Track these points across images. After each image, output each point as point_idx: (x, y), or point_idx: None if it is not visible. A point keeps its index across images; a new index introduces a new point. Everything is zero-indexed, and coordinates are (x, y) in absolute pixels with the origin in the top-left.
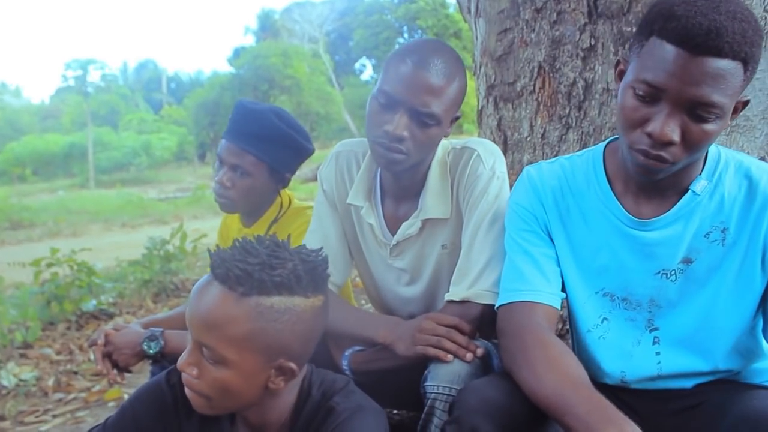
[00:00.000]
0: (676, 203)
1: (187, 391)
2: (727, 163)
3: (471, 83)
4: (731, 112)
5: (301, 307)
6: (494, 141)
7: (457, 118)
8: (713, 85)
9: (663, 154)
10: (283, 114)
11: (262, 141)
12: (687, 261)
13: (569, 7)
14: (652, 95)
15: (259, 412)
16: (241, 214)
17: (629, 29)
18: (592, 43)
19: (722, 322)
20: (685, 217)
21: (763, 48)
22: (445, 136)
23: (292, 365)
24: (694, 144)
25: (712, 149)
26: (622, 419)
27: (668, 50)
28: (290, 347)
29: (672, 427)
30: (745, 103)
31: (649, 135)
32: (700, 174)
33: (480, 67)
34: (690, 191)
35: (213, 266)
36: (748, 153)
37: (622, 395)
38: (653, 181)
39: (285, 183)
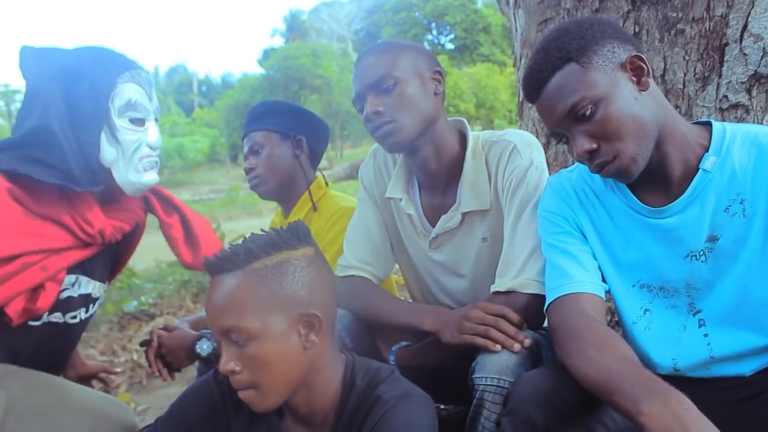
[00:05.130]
0: (689, 185)
1: (241, 394)
2: (734, 135)
3: (500, 78)
4: (617, 84)
5: (294, 256)
6: (536, 133)
7: (438, 73)
8: (560, 98)
9: (599, 160)
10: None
11: (261, 117)
12: (713, 239)
13: None
14: (560, 137)
15: (306, 399)
16: (281, 205)
17: (675, 15)
18: (636, 30)
19: (762, 291)
20: (700, 196)
21: None
22: (435, 94)
23: (314, 312)
24: (607, 134)
25: (717, 126)
26: (666, 389)
27: (535, 108)
28: (300, 296)
29: (732, 419)
30: (632, 61)
31: (580, 158)
32: (707, 151)
33: (521, 59)
34: (700, 170)
35: (207, 267)
36: None
37: (677, 387)
38: (651, 172)
39: (303, 149)
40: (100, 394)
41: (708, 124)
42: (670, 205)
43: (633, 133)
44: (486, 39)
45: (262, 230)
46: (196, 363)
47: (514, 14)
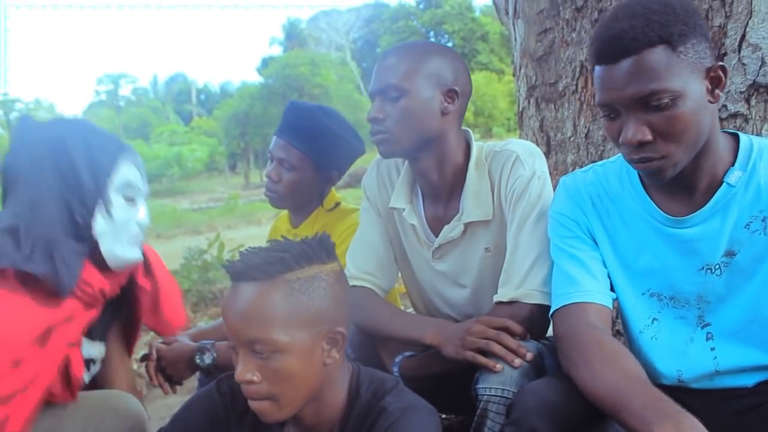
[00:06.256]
0: (711, 197)
1: (253, 404)
2: (761, 151)
3: (498, 86)
4: (696, 87)
5: (324, 271)
6: (537, 142)
7: (453, 91)
8: (642, 79)
9: (646, 154)
10: (331, 112)
11: (308, 137)
12: (730, 254)
13: (610, 5)
14: (611, 111)
15: (315, 410)
16: (290, 213)
17: None
18: None
19: None
20: (722, 210)
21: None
22: (444, 114)
23: (340, 329)
24: (670, 132)
25: (744, 139)
26: (678, 412)
27: (597, 71)
28: (328, 312)
29: (734, 429)
30: (716, 70)
31: (626, 144)
32: (733, 165)
33: (520, 68)
34: (724, 183)
35: (231, 272)
36: None
37: (680, 396)
38: (678, 180)
39: (332, 181)
40: (105, 391)
41: (735, 136)
42: (690, 215)
43: (690, 140)
44: (484, 47)
45: (268, 240)
46: (198, 373)
47: (514, 24)
